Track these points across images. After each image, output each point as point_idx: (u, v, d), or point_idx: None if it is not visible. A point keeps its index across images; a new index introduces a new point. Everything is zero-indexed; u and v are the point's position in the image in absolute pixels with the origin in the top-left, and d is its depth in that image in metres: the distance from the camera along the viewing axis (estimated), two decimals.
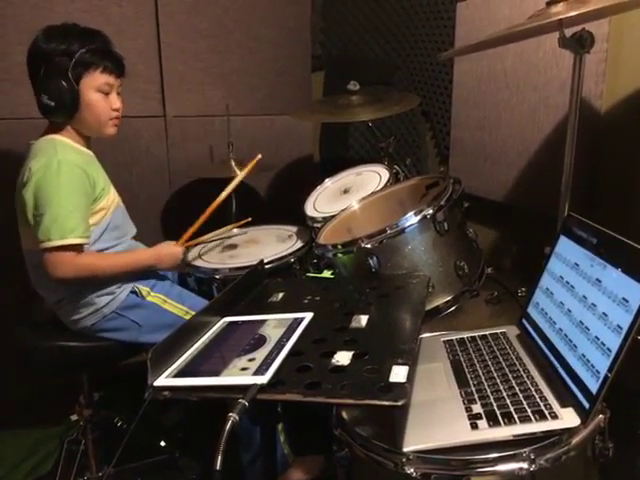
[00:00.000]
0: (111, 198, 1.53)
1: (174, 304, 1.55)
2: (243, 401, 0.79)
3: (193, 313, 1.53)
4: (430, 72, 2.29)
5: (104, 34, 1.47)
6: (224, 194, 1.73)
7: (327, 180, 1.97)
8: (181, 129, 2.34)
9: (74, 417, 1.65)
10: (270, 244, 1.87)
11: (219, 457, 0.73)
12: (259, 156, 1.82)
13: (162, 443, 1.80)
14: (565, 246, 1.07)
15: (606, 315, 0.86)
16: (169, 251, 1.58)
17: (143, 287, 1.54)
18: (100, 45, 1.43)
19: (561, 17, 1.07)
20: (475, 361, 1.06)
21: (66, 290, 1.45)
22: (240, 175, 1.80)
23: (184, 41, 2.27)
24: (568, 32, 1.19)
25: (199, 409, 1.83)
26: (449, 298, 1.38)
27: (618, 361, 0.80)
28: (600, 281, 0.90)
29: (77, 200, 1.37)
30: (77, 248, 1.37)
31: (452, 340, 1.17)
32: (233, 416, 0.77)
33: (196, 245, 1.77)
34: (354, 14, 2.53)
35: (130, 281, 1.52)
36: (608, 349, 0.82)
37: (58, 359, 1.53)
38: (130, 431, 0.98)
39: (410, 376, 0.81)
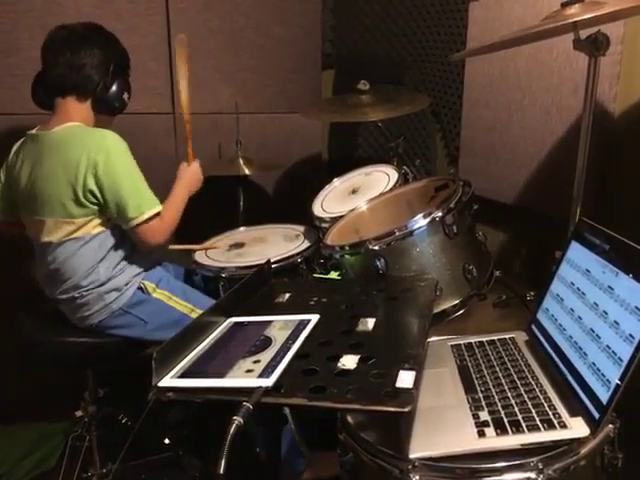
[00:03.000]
0: None
1: (179, 301, 1.55)
2: (248, 404, 0.78)
3: (198, 310, 1.53)
4: (441, 72, 2.27)
5: None
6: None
7: (335, 180, 1.96)
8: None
9: (79, 413, 1.65)
10: (277, 243, 1.87)
11: (223, 461, 0.73)
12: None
13: (166, 440, 1.79)
14: (576, 252, 1.05)
15: (618, 323, 0.84)
16: (192, 176, 1.73)
17: (149, 283, 1.54)
18: None
19: (576, 19, 1.05)
20: (483, 367, 1.05)
21: (76, 285, 1.45)
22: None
23: (194, 38, 2.26)
24: (583, 34, 1.18)
25: (203, 407, 1.83)
26: (457, 302, 1.36)
27: (630, 371, 0.78)
28: (612, 289, 0.89)
29: (139, 172, 1.48)
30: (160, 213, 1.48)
31: (459, 345, 1.16)
32: (237, 419, 0.76)
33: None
34: (365, 12, 2.51)
35: (137, 277, 1.53)
36: (619, 358, 0.81)
37: (64, 354, 1.53)
38: (134, 432, 0.97)
39: (417, 382, 0.80)
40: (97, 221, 1.44)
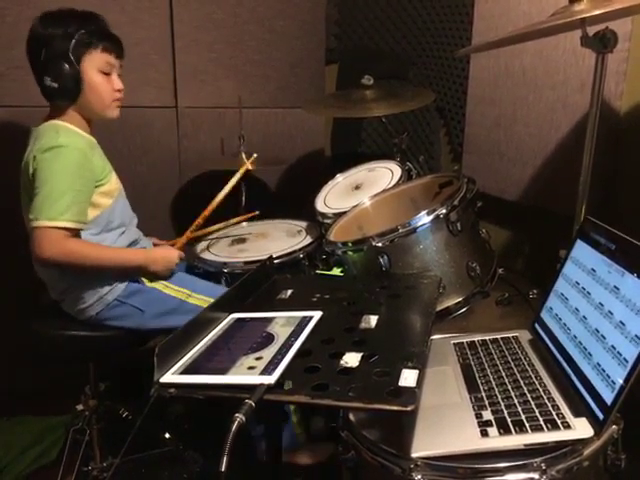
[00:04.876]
0: (114, 185, 1.52)
1: (175, 288, 1.54)
2: (250, 402, 0.78)
3: (195, 295, 1.52)
4: (446, 67, 2.26)
5: (101, 16, 1.46)
6: (221, 195, 1.72)
7: (338, 175, 1.95)
8: (193, 120, 2.32)
9: (79, 407, 1.65)
10: (279, 239, 1.86)
11: (225, 458, 0.72)
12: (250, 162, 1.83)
13: (166, 435, 1.79)
14: (581, 251, 1.04)
15: (623, 324, 0.83)
16: (164, 254, 1.54)
17: None
18: (98, 26, 1.43)
19: (585, 15, 1.04)
20: (486, 365, 1.04)
21: (70, 278, 1.44)
22: (232, 179, 1.77)
23: (198, 32, 2.25)
24: (590, 30, 1.16)
25: (204, 402, 1.83)
26: (460, 299, 1.36)
27: (635, 372, 0.77)
28: (618, 288, 0.88)
29: (72, 183, 1.35)
30: (67, 231, 1.34)
31: (462, 343, 1.15)
32: (239, 417, 0.76)
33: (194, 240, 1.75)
34: (370, 7, 2.50)
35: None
36: (625, 359, 0.80)
37: (65, 348, 1.53)
38: (136, 427, 0.96)
39: (420, 381, 0.79)
40: None
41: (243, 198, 2.15)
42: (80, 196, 1.37)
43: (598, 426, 0.81)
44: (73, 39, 1.37)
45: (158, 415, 1.75)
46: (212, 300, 1.19)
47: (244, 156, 2.10)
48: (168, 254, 1.54)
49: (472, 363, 1.06)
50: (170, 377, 0.88)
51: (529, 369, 1.00)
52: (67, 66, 1.37)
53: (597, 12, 1.02)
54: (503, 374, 1.00)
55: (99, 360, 1.62)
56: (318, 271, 1.65)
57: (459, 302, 1.36)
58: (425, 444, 0.85)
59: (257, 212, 1.90)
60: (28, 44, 1.41)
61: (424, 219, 1.31)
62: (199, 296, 1.52)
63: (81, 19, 1.41)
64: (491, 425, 0.85)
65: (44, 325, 1.52)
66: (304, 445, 1.67)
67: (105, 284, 1.46)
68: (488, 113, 2.00)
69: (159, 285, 1.53)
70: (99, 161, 1.48)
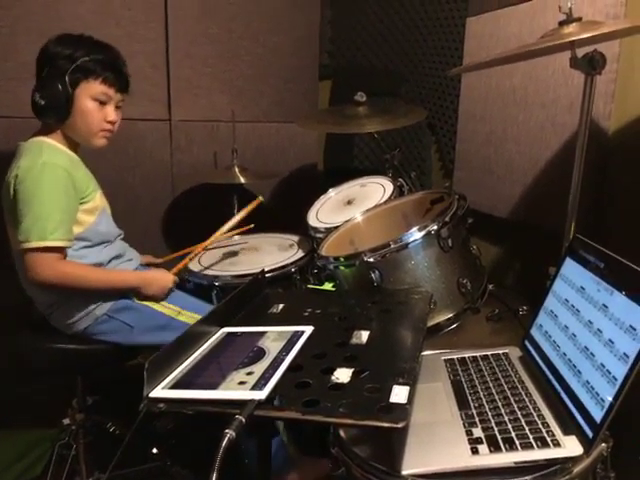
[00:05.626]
0: (97, 202, 1.51)
1: (165, 304, 1.53)
2: (240, 417, 0.77)
3: (185, 312, 1.52)
4: (437, 85, 2.29)
5: (117, 50, 1.48)
6: (224, 229, 1.73)
7: (331, 190, 1.96)
8: (186, 133, 2.33)
9: (66, 421, 1.63)
10: (271, 252, 1.86)
11: (214, 474, 0.72)
12: (260, 198, 1.81)
13: (154, 450, 1.77)
14: (571, 268, 1.05)
15: (612, 342, 0.84)
16: (159, 276, 1.54)
17: None
18: (107, 57, 1.44)
19: (574, 38, 1.06)
20: (476, 382, 1.04)
21: (57, 294, 1.43)
22: (238, 215, 1.77)
23: (192, 46, 2.27)
24: (579, 52, 1.19)
25: (193, 417, 1.81)
26: (451, 315, 1.37)
27: (624, 390, 0.78)
28: (607, 307, 0.89)
29: (59, 202, 1.35)
30: (58, 251, 1.35)
31: (453, 359, 1.15)
32: (229, 432, 0.75)
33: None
34: (363, 25, 2.53)
35: None
36: (614, 377, 0.80)
37: (54, 361, 1.51)
38: (125, 443, 0.95)
39: (411, 397, 0.79)
40: None
41: (236, 211, 2.16)
42: (66, 214, 1.37)
43: (587, 444, 0.81)
44: (75, 63, 1.38)
45: (146, 430, 1.73)
46: None
47: (237, 169, 2.11)
48: (163, 278, 1.54)
49: (463, 379, 1.06)
50: (160, 392, 0.87)
51: (519, 386, 1.00)
52: (59, 87, 1.38)
53: (586, 35, 1.04)
54: (493, 391, 1.00)
55: (87, 374, 1.61)
56: (310, 285, 1.65)
57: (450, 318, 1.37)
58: (416, 461, 0.84)
59: (252, 225, 1.89)
60: (37, 58, 1.42)
61: (416, 235, 1.32)
62: (189, 314, 1.51)
63: (92, 46, 1.43)
64: (481, 442, 0.85)
65: (31, 337, 1.51)
66: (296, 462, 1.65)
67: (93, 299, 1.45)
68: (479, 131, 2.02)
69: (149, 301, 1.52)
70: (83, 178, 1.47)
